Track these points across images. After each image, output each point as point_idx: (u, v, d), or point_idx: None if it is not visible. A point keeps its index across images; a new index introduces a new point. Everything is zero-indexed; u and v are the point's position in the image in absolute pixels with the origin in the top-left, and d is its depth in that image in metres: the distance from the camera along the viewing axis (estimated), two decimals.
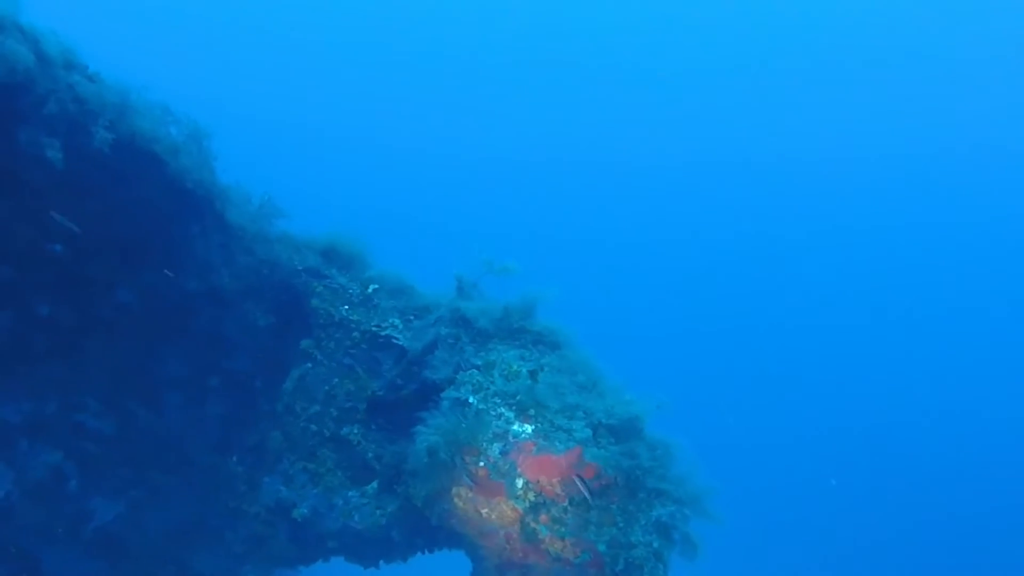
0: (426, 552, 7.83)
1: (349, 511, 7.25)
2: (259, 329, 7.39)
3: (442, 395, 6.40)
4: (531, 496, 6.06)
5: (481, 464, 6.09)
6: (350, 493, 7.29)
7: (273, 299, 7.29)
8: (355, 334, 7.23)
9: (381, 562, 7.81)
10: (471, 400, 6.19)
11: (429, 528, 7.05)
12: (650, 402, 6.24)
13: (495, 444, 6.05)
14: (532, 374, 6.21)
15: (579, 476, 5.75)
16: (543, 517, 6.07)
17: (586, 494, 5.71)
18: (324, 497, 7.33)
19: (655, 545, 5.95)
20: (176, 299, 7.40)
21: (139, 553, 8.33)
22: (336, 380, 7.30)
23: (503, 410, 6.13)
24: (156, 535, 8.33)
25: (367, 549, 7.53)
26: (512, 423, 6.07)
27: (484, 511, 6.27)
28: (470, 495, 6.27)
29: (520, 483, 6.06)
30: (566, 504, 6.03)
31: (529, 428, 6.04)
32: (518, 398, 6.12)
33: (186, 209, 6.55)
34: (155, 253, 6.99)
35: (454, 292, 7.01)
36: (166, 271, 6.43)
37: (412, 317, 7.24)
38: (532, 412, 6.09)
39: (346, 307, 7.27)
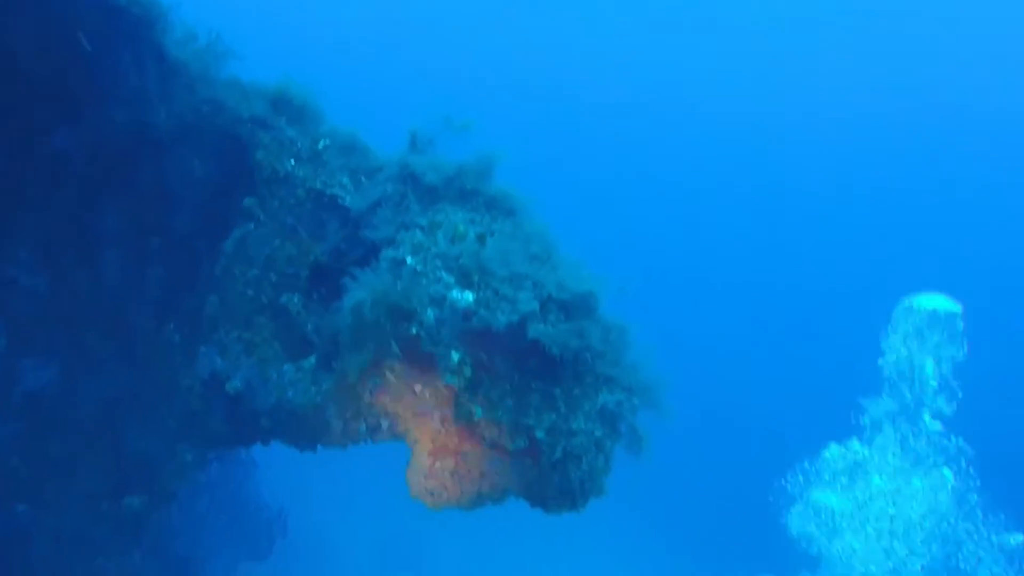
0: (368, 442, 7.30)
1: (283, 386, 6.69)
2: (198, 181, 6.75)
3: (380, 255, 5.77)
4: (467, 372, 5.46)
5: (413, 331, 5.47)
6: (285, 367, 6.72)
7: (213, 145, 6.62)
8: (300, 192, 6.56)
9: (319, 447, 7.28)
10: (409, 260, 5.55)
11: (367, 411, 6.51)
12: (611, 283, 5.57)
13: (430, 310, 5.40)
14: (480, 238, 5.52)
15: None
16: (479, 397, 5.49)
17: None
18: (258, 369, 6.77)
19: (598, 434, 5.36)
20: (116, 145, 6.80)
21: (70, 424, 7.87)
22: (277, 242, 6.65)
23: (443, 274, 5.45)
24: (89, 405, 7.86)
25: (302, 429, 6.99)
26: (452, 288, 5.40)
27: (417, 387, 5.71)
28: (403, 369, 5.71)
29: (456, 357, 5.45)
30: (506, 385, 5.46)
31: (470, 296, 5.38)
32: (461, 262, 5.43)
33: (117, 31, 5.86)
34: (90, 87, 6.35)
35: (407, 148, 6.31)
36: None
37: (363, 178, 6.56)
38: (475, 279, 5.40)
39: (292, 161, 6.59)
